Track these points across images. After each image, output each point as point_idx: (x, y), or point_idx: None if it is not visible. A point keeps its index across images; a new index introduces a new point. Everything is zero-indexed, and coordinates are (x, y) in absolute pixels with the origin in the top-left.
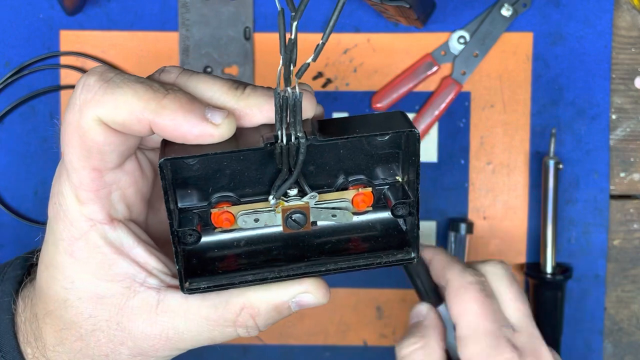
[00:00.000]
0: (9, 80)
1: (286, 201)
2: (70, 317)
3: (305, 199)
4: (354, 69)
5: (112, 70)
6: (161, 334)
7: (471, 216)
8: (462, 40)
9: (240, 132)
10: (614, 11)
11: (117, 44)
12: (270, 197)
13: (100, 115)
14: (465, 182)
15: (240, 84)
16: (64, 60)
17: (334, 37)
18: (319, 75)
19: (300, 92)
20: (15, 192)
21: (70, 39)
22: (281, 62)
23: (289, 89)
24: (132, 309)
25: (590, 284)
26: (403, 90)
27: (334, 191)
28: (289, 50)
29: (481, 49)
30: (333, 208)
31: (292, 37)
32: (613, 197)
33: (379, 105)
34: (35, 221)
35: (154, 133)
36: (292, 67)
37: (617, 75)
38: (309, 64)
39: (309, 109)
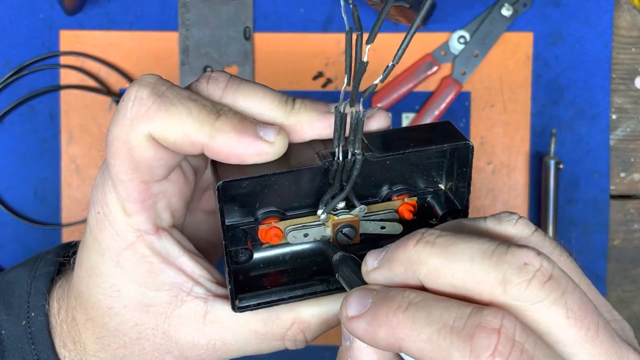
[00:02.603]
0: (9, 80)
1: (335, 215)
2: (115, 324)
3: (355, 211)
4: None
5: (164, 82)
6: (208, 344)
7: (471, 216)
8: (462, 40)
9: (289, 147)
10: (614, 11)
11: (117, 44)
12: (320, 212)
13: (152, 132)
14: None
15: (288, 98)
16: (63, 60)
17: (333, 36)
18: (319, 75)
19: (363, 111)
20: (15, 192)
21: (70, 39)
22: (345, 81)
23: (353, 109)
24: (179, 318)
25: None
26: (403, 90)
27: (379, 202)
28: (360, 72)
29: (481, 49)
30: (381, 220)
31: (365, 59)
32: (613, 197)
33: (379, 105)
34: (35, 221)
35: (202, 153)
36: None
37: (617, 75)
38: (376, 85)
39: (385, 125)
